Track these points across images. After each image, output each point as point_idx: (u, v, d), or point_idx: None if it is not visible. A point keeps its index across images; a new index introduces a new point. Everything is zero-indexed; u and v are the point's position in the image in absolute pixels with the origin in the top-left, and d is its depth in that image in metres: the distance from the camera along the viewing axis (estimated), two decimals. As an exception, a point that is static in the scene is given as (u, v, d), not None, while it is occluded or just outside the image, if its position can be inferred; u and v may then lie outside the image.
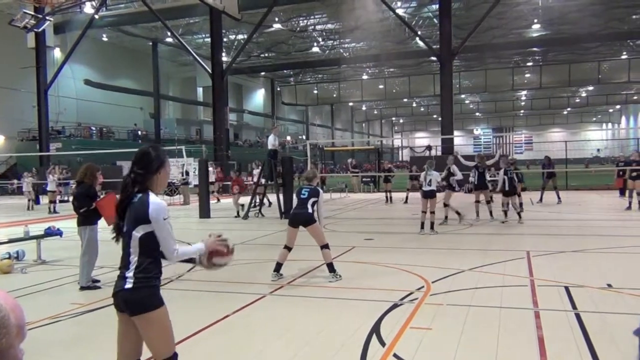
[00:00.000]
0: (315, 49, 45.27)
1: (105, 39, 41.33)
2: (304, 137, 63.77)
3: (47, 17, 25.05)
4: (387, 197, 20.15)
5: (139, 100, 45.82)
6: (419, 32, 32.69)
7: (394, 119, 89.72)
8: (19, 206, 21.64)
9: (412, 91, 54.20)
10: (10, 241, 9.27)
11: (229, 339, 4.75)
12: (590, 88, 60.71)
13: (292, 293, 6.33)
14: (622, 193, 17.81)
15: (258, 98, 62.97)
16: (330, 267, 6.87)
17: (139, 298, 2.73)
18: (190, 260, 3.10)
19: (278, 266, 6.97)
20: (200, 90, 51.26)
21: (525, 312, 5.24)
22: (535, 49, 45.50)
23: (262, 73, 55.39)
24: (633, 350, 1.75)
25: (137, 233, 2.78)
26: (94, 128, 39.24)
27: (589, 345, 4.21)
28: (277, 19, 37.31)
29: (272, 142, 15.27)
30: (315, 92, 60.08)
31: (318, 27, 40.99)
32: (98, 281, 7.04)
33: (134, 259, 2.78)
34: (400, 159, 75.86)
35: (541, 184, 18.62)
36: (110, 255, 8.66)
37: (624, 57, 46.92)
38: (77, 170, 7.36)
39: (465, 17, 34.77)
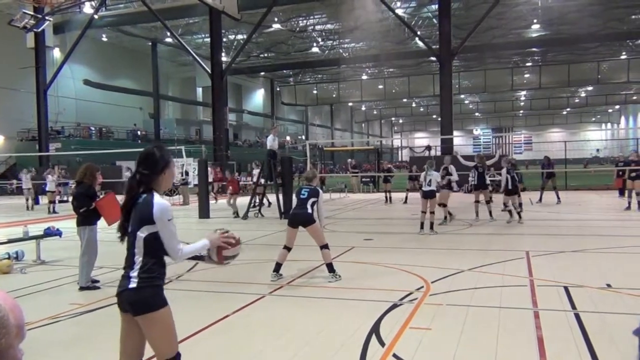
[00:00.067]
0: (315, 49, 45.28)
1: (104, 39, 41.33)
2: (303, 137, 63.79)
3: (47, 17, 25.02)
4: (386, 197, 20.15)
5: (138, 101, 45.83)
6: (419, 32, 32.72)
7: (393, 119, 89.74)
8: (19, 206, 21.62)
9: (412, 91, 54.25)
10: (10, 241, 9.27)
11: (229, 339, 4.75)
12: (590, 88, 60.75)
13: (291, 293, 6.33)
14: (622, 193, 17.83)
15: (257, 98, 62.97)
16: (330, 267, 6.87)
17: (142, 298, 2.74)
18: (199, 258, 3.11)
19: (277, 266, 6.97)
20: (199, 90, 51.25)
21: (524, 312, 5.24)
22: (534, 49, 45.55)
23: (262, 73, 55.40)
24: (633, 350, 1.75)
25: (142, 233, 2.79)
26: (93, 128, 39.24)
27: (589, 345, 4.22)
28: (276, 19, 37.32)
29: (271, 142, 15.24)
30: (315, 92, 60.10)
31: (317, 27, 41.01)
32: (97, 281, 7.03)
33: (138, 259, 2.79)
34: (399, 159, 75.90)
35: (540, 184, 18.62)
36: (110, 255, 8.67)
37: (623, 57, 46.98)
38: (77, 170, 7.35)
39: (464, 17, 34.79)
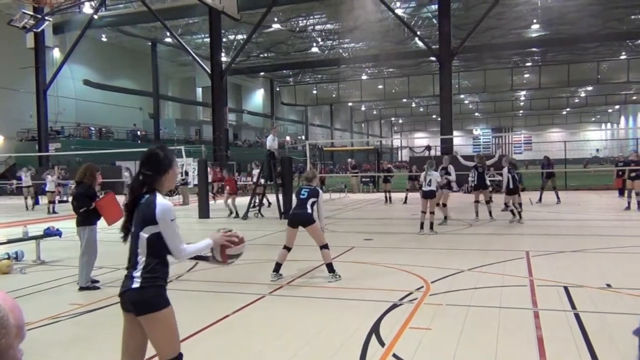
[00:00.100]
0: (315, 49, 45.28)
1: (104, 39, 41.32)
2: (303, 137, 63.79)
3: (46, 17, 24.99)
4: (386, 197, 20.15)
5: (138, 101, 45.82)
6: (418, 33, 32.72)
7: (393, 119, 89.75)
8: (19, 206, 21.61)
9: (412, 91, 54.27)
10: (10, 242, 9.27)
11: (229, 339, 4.75)
12: (589, 88, 60.76)
13: (291, 293, 6.33)
14: (621, 193, 17.83)
15: (257, 98, 62.97)
16: (330, 268, 6.87)
17: (145, 298, 2.74)
18: (203, 258, 3.11)
19: (277, 266, 6.97)
20: (199, 90, 51.25)
21: (524, 312, 5.24)
22: (534, 49, 45.54)
23: (262, 73, 55.40)
24: (632, 350, 1.75)
25: (145, 234, 2.79)
26: (93, 128, 39.23)
27: (588, 345, 4.22)
28: (276, 19, 37.31)
29: (270, 142, 15.23)
30: (315, 92, 60.10)
31: (317, 27, 41.00)
32: (97, 281, 7.03)
33: (141, 259, 2.80)
34: (399, 159, 75.90)
35: (540, 184, 18.63)
36: (110, 255, 8.67)
37: (622, 57, 46.99)
38: (76, 170, 7.34)
39: (464, 18, 34.80)
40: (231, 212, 15.84)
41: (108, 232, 10.02)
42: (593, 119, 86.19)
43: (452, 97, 26.98)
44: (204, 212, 15.92)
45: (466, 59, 46.36)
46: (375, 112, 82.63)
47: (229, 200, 16.07)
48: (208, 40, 32.15)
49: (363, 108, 78.99)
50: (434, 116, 72.15)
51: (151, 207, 2.79)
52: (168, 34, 34.36)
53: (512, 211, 12.62)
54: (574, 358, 4.01)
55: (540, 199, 18.04)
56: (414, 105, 74.21)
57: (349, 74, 55.35)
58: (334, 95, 59.14)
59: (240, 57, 34.71)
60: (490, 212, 13.03)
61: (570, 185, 23.72)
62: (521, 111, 78.88)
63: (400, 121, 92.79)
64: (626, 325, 3.52)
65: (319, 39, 43.63)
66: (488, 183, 13.92)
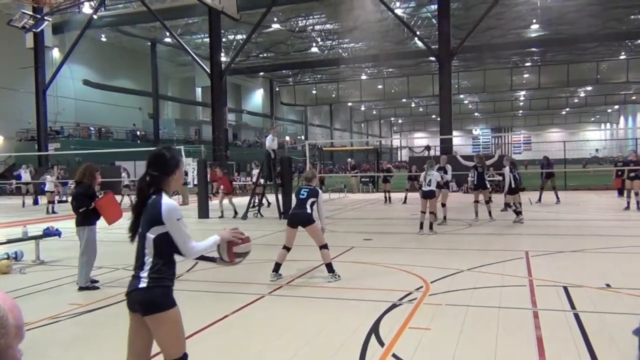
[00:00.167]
0: (314, 49, 45.27)
1: (103, 39, 41.30)
2: (302, 137, 63.79)
3: (46, 17, 24.97)
4: (386, 197, 20.15)
5: (137, 101, 45.80)
6: (418, 33, 32.70)
7: (392, 119, 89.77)
8: (18, 206, 21.61)
9: (411, 91, 54.28)
10: (9, 242, 9.26)
11: (229, 339, 4.75)
12: (589, 88, 60.79)
13: (291, 293, 6.33)
14: (621, 193, 17.84)
15: (257, 98, 62.97)
16: (329, 268, 6.87)
17: (152, 297, 2.76)
18: (209, 259, 3.13)
19: (277, 266, 6.97)
20: (199, 90, 51.25)
21: (524, 312, 5.24)
22: (533, 49, 45.57)
23: (261, 73, 55.41)
24: (632, 350, 1.76)
25: (151, 235, 2.81)
26: (92, 128, 39.21)
27: (588, 345, 4.22)
28: (275, 19, 37.31)
29: (270, 142, 15.22)
30: (314, 92, 60.10)
31: (317, 27, 40.99)
32: (97, 281, 7.02)
33: (148, 259, 2.81)
34: (399, 159, 75.91)
35: (540, 184, 18.64)
36: (109, 255, 8.67)
37: (622, 57, 47.01)
38: (76, 170, 7.34)
39: (464, 18, 34.80)
40: (235, 213, 15.58)
41: (107, 232, 10.03)
42: (592, 119, 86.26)
43: (451, 97, 26.97)
44: (203, 212, 15.92)
45: (466, 59, 46.38)
46: (374, 112, 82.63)
47: (225, 201, 15.71)
48: (207, 40, 32.11)
49: (362, 108, 79.01)
50: (433, 116, 72.17)
51: (157, 207, 2.81)
52: (167, 34, 34.34)
53: (514, 211, 12.56)
54: (573, 358, 4.01)
55: (539, 199, 18.06)
56: (413, 105, 74.24)
57: (348, 74, 55.36)
58: (333, 95, 59.14)
59: (239, 57, 34.70)
60: (489, 212, 13.04)
61: (570, 185, 23.74)
62: (521, 111, 78.93)
63: (400, 121, 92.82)
64: (626, 325, 3.53)
65: (319, 39, 43.63)
66: (488, 183, 13.93)
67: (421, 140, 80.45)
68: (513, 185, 12.55)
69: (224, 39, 36.99)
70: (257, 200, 16.51)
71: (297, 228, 6.99)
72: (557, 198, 17.75)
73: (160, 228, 2.79)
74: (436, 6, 28.61)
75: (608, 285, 6.13)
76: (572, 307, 5.33)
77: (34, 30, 25.17)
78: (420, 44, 35.26)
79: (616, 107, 76.51)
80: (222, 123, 30.05)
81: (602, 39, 38.58)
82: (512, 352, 4.19)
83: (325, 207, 7.65)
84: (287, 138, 58.96)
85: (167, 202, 2.84)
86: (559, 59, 48.49)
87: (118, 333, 4.96)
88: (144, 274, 2.79)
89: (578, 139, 74.07)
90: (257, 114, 61.08)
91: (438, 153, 28.38)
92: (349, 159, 32.35)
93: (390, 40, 39.70)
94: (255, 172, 19.60)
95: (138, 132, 43.82)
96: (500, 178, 19.68)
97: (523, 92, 65.86)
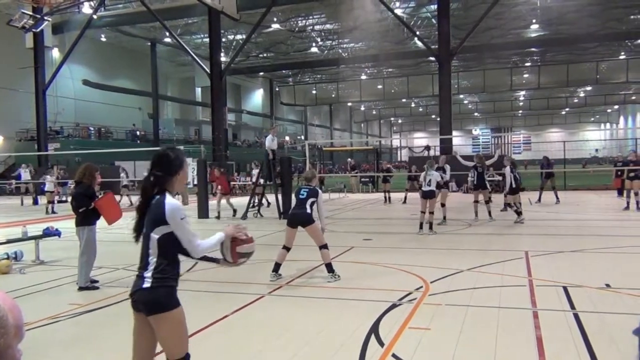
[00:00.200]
0: (314, 49, 45.26)
1: (103, 39, 41.28)
2: (302, 137, 63.78)
3: (46, 17, 24.96)
4: (385, 197, 20.15)
5: (137, 101, 45.80)
6: (418, 33, 32.70)
7: (392, 119, 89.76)
8: (18, 206, 21.61)
9: (411, 91, 54.29)
10: (9, 242, 9.26)
11: (228, 339, 4.75)
12: (589, 88, 60.80)
13: (291, 293, 6.33)
14: (620, 193, 17.85)
15: (256, 98, 62.96)
16: (329, 268, 6.87)
17: (156, 297, 2.77)
18: (213, 260, 3.13)
19: (277, 266, 6.97)
20: (198, 90, 51.24)
21: (523, 312, 5.24)
22: (533, 49, 45.56)
23: (261, 73, 55.39)
24: (632, 350, 1.76)
25: (155, 235, 2.82)
26: (92, 128, 39.20)
27: (588, 345, 4.22)
28: (275, 19, 37.30)
29: (269, 142, 15.21)
30: (314, 92, 60.10)
31: (317, 27, 40.98)
32: (96, 281, 7.02)
33: (152, 260, 2.82)
34: (399, 159, 75.92)
35: (539, 184, 18.65)
36: (109, 255, 8.67)
37: (622, 57, 47.01)
38: (76, 170, 7.34)
39: (463, 18, 34.80)
40: (219, 215, 15.22)
41: (107, 232, 10.03)
42: (592, 119, 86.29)
43: (451, 97, 26.97)
44: (203, 212, 15.91)
45: (465, 59, 46.39)
46: (374, 112, 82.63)
47: (222, 201, 15.45)
48: (207, 40, 32.11)
49: (362, 108, 79.01)
50: (433, 116, 72.18)
51: (161, 207, 2.83)
52: (167, 34, 34.33)
53: (516, 211, 12.54)
54: (573, 358, 4.01)
55: (539, 199, 18.06)
56: (413, 105, 74.24)
57: (348, 74, 55.35)
58: (333, 95, 59.14)
59: (239, 57, 34.70)
60: (489, 212, 13.04)
61: (570, 185, 23.75)
62: (520, 111, 78.93)
63: (400, 121, 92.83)
64: (625, 325, 3.53)
65: (319, 39, 43.62)
66: (487, 183, 13.93)
67: (421, 140, 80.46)
68: (514, 185, 12.55)
69: (223, 39, 36.99)
70: (256, 200, 16.50)
71: (297, 228, 6.99)
72: (557, 198, 17.76)
73: (164, 228, 2.81)
74: (436, 6, 28.60)
75: (608, 285, 6.13)
76: (572, 307, 5.33)
77: (33, 30, 25.16)
78: (420, 44, 35.25)
79: (616, 107, 76.53)
80: (221, 123, 30.04)
81: (602, 39, 38.58)
82: (511, 352, 4.19)
83: (325, 207, 7.65)
84: (287, 138, 58.97)
85: (171, 202, 2.85)
86: (558, 59, 48.50)
87: (118, 333, 4.97)
88: (148, 274, 2.80)
89: (578, 139, 74.12)
90: (256, 114, 61.07)
91: (438, 153, 28.38)
92: (349, 159, 32.34)
93: (390, 40, 39.69)
94: (255, 172, 19.58)
95: (138, 132, 43.81)
96: (500, 178, 19.70)
97: (523, 92, 65.86)
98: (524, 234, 10.96)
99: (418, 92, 54.92)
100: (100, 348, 4.61)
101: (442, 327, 4.79)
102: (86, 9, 29.75)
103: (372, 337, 4.57)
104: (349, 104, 69.37)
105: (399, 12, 34.24)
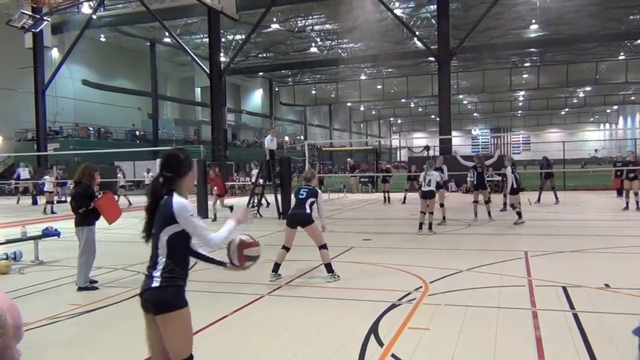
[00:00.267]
0: (314, 49, 45.28)
1: (103, 39, 41.28)
2: (302, 137, 63.77)
3: (45, 17, 24.96)
4: (385, 197, 20.16)
5: (136, 101, 45.79)
6: (417, 33, 32.72)
7: (392, 119, 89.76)
8: (18, 206, 21.60)
9: (410, 91, 54.32)
10: (8, 242, 9.25)
11: (228, 339, 4.75)
12: (588, 88, 60.84)
13: (290, 293, 6.33)
14: (620, 193, 17.85)
15: (256, 98, 62.95)
16: (329, 268, 6.87)
17: (164, 297, 2.79)
18: (220, 263, 3.17)
19: (276, 266, 6.97)
20: (198, 90, 51.22)
21: (523, 312, 5.24)
22: (533, 49, 45.58)
23: (260, 73, 55.38)
24: (632, 350, 1.76)
25: (165, 235, 2.85)
26: (91, 128, 39.19)
27: (587, 345, 4.22)
28: (275, 19, 37.30)
29: (269, 142, 15.20)
30: (314, 92, 60.11)
31: (316, 27, 40.98)
32: (96, 282, 7.02)
33: (161, 259, 2.84)
34: (398, 159, 75.93)
35: (539, 184, 18.66)
36: (108, 255, 8.66)
37: (621, 57, 47.05)
38: (75, 170, 7.34)
39: (463, 18, 34.82)
40: (215, 217, 14.81)
41: (107, 232, 10.03)
42: (591, 119, 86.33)
43: (450, 98, 26.99)
44: (202, 213, 15.89)
45: (465, 59, 46.40)
46: (374, 112, 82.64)
47: (217, 203, 15.02)
48: (207, 40, 32.13)
49: (362, 108, 79.02)
50: (432, 116, 72.21)
51: (169, 207, 2.86)
52: (167, 34, 34.36)
53: (518, 212, 12.48)
54: (572, 358, 4.01)
55: (538, 199, 18.07)
56: (412, 105, 74.26)
57: (347, 74, 55.35)
58: (332, 96, 59.15)
59: (239, 57, 34.71)
60: (489, 212, 13.04)
61: (569, 185, 23.76)
62: (520, 111, 78.97)
63: (399, 121, 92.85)
64: (625, 325, 3.53)
65: (318, 39, 43.62)
66: (487, 183, 13.92)
67: (420, 140, 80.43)
68: (515, 186, 12.54)
69: (223, 39, 37.01)
70: (256, 201, 16.49)
71: (297, 228, 6.99)
72: (556, 198, 17.76)
73: (174, 227, 2.84)
74: (435, 6, 28.63)
75: (607, 285, 6.13)
76: (571, 307, 5.33)
77: (33, 30, 25.17)
78: (419, 44, 35.24)
79: (615, 107, 76.55)
80: (221, 123, 30.06)
81: (601, 39, 38.61)
82: (511, 352, 4.19)
83: (325, 207, 7.65)
84: (287, 138, 58.95)
85: (178, 200, 2.88)
86: (558, 59, 48.52)
87: (117, 333, 4.97)
88: (157, 273, 2.82)
89: (577, 139, 74.15)
90: (256, 114, 61.06)
91: (437, 153, 28.39)
92: (348, 159, 32.36)
93: (390, 40, 39.70)
94: (255, 172, 19.58)
95: (137, 132, 43.80)
96: (500, 178, 19.71)
97: (522, 93, 65.90)
98: (523, 234, 10.97)
99: (417, 92, 54.96)
100: (99, 348, 4.60)
101: (441, 327, 4.79)
102: (85, 9, 29.78)
103: (372, 337, 4.57)
104: (349, 104, 69.37)
105: (398, 12, 34.25)
